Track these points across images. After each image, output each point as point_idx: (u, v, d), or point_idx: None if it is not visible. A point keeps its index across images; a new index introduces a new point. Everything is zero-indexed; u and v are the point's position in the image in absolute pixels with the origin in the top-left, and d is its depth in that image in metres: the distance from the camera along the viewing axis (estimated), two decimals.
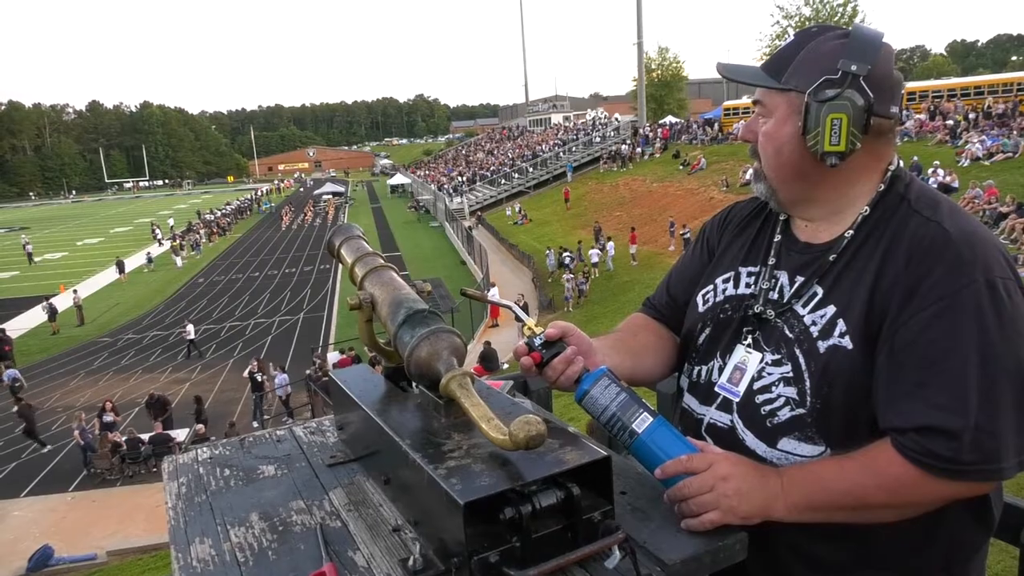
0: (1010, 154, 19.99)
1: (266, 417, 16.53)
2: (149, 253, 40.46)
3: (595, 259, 25.86)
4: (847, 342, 1.12)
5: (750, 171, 1.34)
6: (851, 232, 1.19)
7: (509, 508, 0.94)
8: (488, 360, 16.27)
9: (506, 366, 16.61)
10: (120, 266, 35.96)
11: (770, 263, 1.29)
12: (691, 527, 1.06)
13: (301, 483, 1.35)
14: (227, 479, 1.39)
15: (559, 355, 1.22)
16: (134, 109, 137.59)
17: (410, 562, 1.03)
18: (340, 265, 1.65)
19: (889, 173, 1.21)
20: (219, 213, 58.16)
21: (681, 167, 33.75)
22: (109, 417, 14.96)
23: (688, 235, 23.90)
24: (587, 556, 0.96)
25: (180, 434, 14.72)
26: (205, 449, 1.55)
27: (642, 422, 1.13)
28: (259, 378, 16.68)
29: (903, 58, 67.22)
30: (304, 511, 1.24)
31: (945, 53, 72.46)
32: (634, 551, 0.95)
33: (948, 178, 18.77)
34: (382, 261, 1.51)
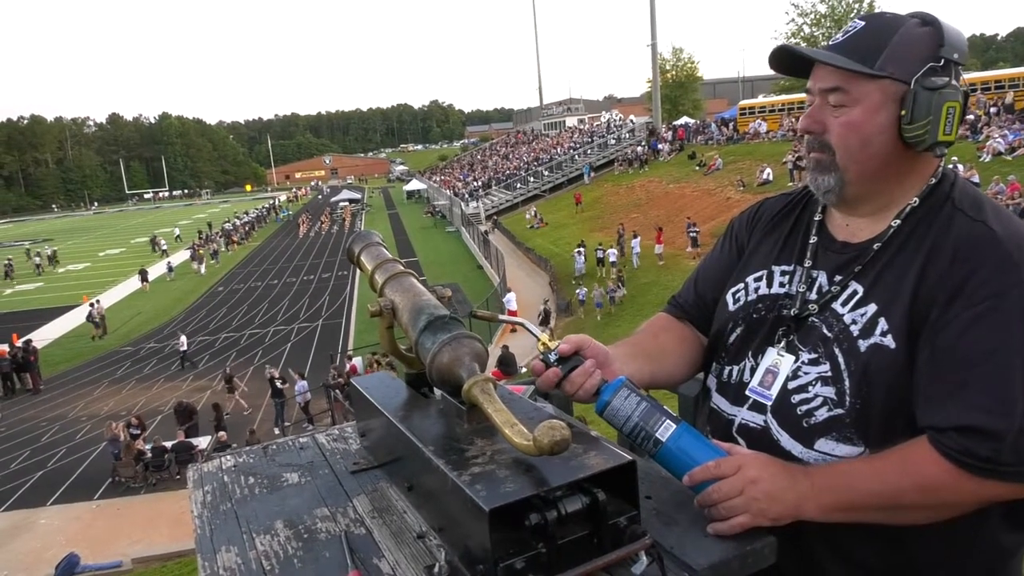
0: None
1: (287, 424, 16.64)
2: (170, 262, 40.95)
3: (613, 258, 25.78)
4: (889, 341, 1.10)
5: (804, 163, 1.27)
6: (898, 222, 1.17)
7: (534, 514, 0.93)
8: (506, 364, 16.24)
9: (524, 369, 16.60)
10: (143, 275, 36.41)
11: (806, 263, 1.26)
12: (720, 531, 1.04)
13: (325, 490, 1.36)
14: (251, 487, 1.40)
15: (577, 368, 1.20)
16: (153, 120, 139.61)
17: (436, 569, 1.02)
18: (358, 272, 1.65)
19: (940, 167, 1.19)
20: (238, 222, 58.75)
21: (697, 168, 33.58)
22: (136, 430, 15.12)
23: (695, 233, 23.72)
24: (614, 562, 0.95)
25: (202, 442, 14.86)
26: (229, 457, 1.56)
27: (666, 430, 1.11)
28: (279, 384, 16.79)
29: None
30: (329, 518, 1.24)
31: None
32: (661, 557, 0.94)
33: (968, 174, 18.52)
34: (402, 267, 1.51)
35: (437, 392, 1.32)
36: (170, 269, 39.89)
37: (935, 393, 1.05)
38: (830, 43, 1.19)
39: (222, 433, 14.67)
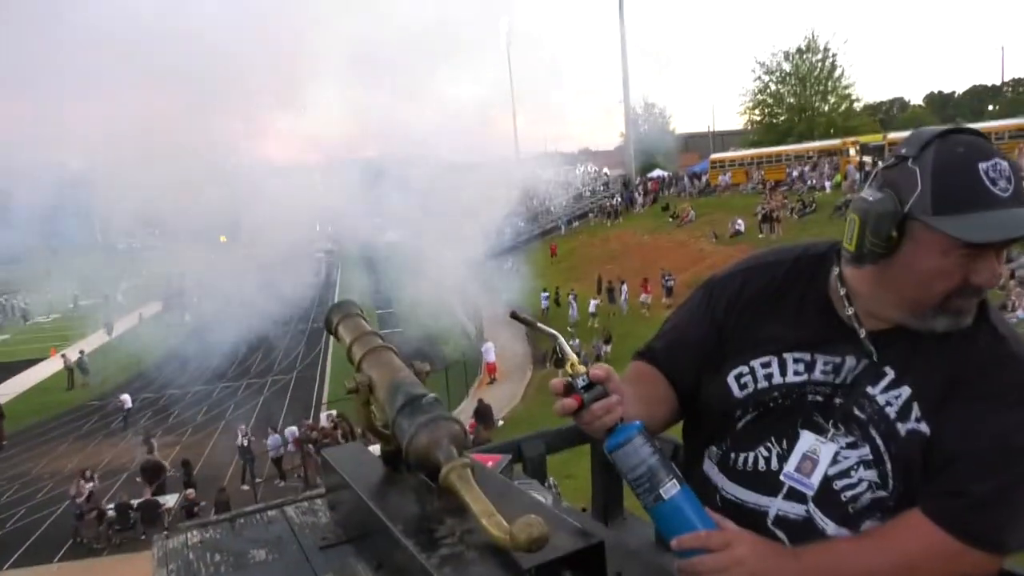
0: None
1: (258, 480, 16.22)
2: (141, 313, 40.23)
3: (592, 309, 25.89)
4: (924, 427, 1.12)
5: (944, 310, 1.14)
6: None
7: None
8: (483, 417, 16.13)
9: (501, 423, 16.46)
10: (108, 328, 35.65)
11: (822, 350, 1.22)
12: None
13: (293, 567, 1.34)
14: (217, 565, 1.37)
15: (599, 400, 1.13)
16: None
17: None
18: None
19: None
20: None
21: (671, 219, 34.15)
22: (88, 486, 14.53)
23: (672, 283, 23.95)
24: None
25: (170, 500, 14.40)
26: (195, 532, 1.53)
27: (670, 488, 1.11)
28: (245, 443, 16.41)
29: (883, 110, 68.96)
30: None
31: (923, 104, 74.42)
32: None
33: None
34: (380, 341, 1.52)
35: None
36: (140, 319, 39.16)
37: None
38: (1002, 192, 1.05)
39: (190, 491, 14.25)
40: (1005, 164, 1.06)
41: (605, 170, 53.26)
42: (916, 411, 1.12)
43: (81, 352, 29.48)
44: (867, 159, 28.78)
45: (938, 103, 73.82)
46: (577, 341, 21.12)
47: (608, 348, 21.18)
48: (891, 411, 1.13)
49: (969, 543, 1.06)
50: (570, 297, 27.74)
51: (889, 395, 1.14)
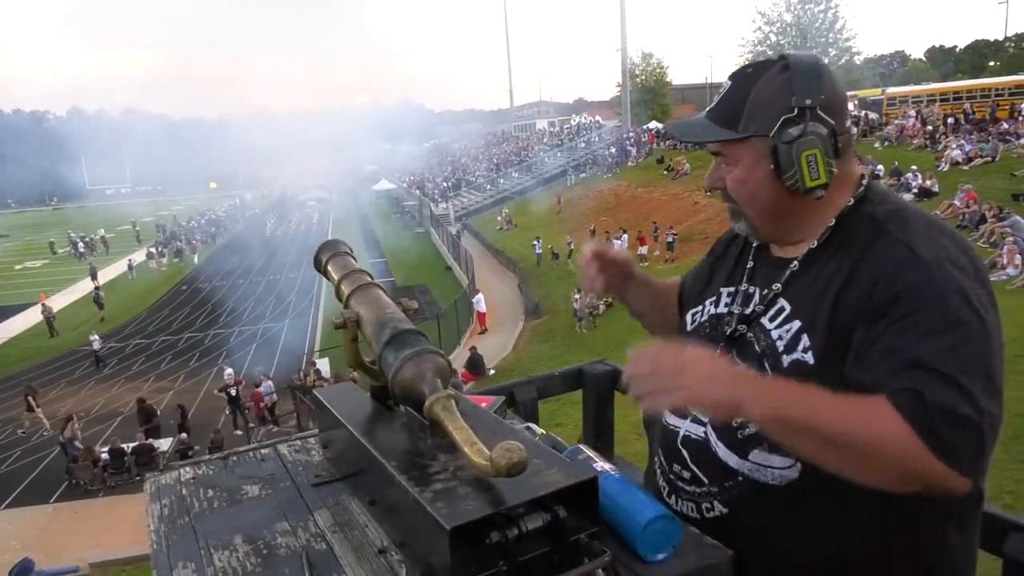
0: (988, 158, 20.27)
1: (251, 425, 16.40)
2: (131, 261, 40.00)
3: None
4: (809, 357, 1.13)
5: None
6: (815, 243, 1.21)
7: (495, 532, 0.94)
8: (475, 366, 16.26)
9: (492, 372, 16.60)
10: (93, 274, 35.39)
11: (744, 282, 1.33)
12: (655, 407, 1.05)
13: (286, 503, 1.34)
14: (210, 500, 1.38)
15: None
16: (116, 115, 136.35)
17: None
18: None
19: (862, 187, 1.22)
20: (203, 220, 57.67)
21: (665, 172, 33.90)
22: (68, 433, 14.60)
23: (673, 239, 23.92)
24: None
25: (164, 443, 14.55)
26: (188, 469, 1.54)
27: None
28: (233, 392, 16.51)
29: (883, 63, 67.98)
30: (289, 533, 1.23)
31: (924, 59, 73.30)
32: (619, 573, 0.95)
33: (929, 182, 19.00)
34: (369, 279, 1.51)
35: (401, 405, 1.32)
36: (130, 267, 38.96)
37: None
38: (708, 109, 1.27)
39: (184, 435, 14.40)
40: (729, 84, 1.23)
41: (597, 118, 52.62)
42: (804, 342, 1.14)
43: (97, 288, 30.68)
44: (864, 113, 28.52)
45: (939, 57, 72.75)
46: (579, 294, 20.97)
47: (602, 304, 21.11)
48: (780, 344, 1.18)
49: (929, 444, 0.96)
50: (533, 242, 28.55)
51: (781, 329, 1.19)
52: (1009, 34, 65.08)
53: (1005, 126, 22.90)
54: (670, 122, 1.29)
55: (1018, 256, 13.41)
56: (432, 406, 1.11)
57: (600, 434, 2.55)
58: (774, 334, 1.20)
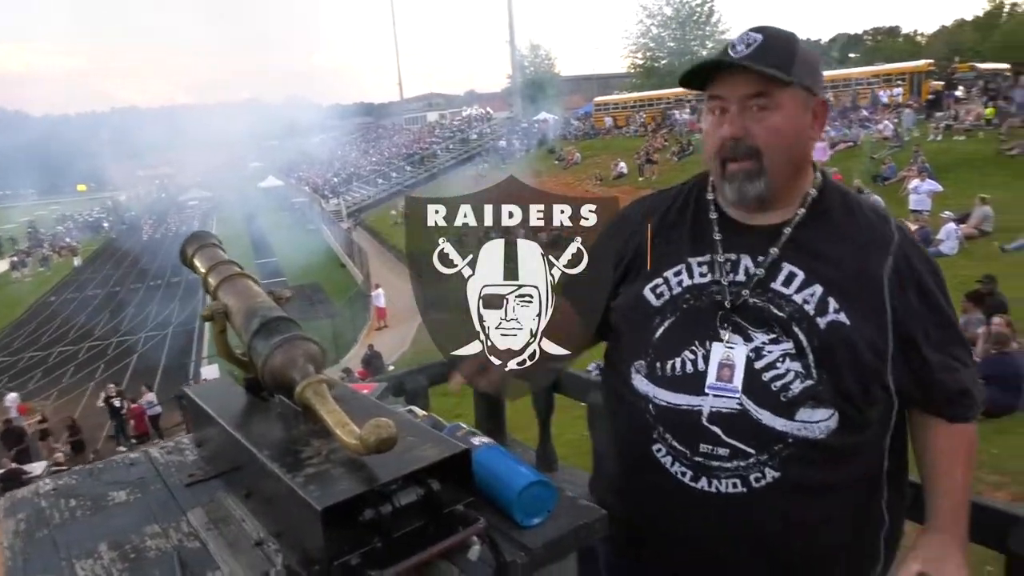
0: (851, 143, 21.90)
1: (133, 441, 15.45)
2: None
3: None
4: (843, 318, 1.22)
5: (716, 172, 1.33)
6: (803, 211, 1.30)
7: (368, 510, 0.94)
8: (372, 363, 16.02)
9: (391, 368, 16.40)
10: None
11: (719, 250, 1.32)
12: None
13: (156, 506, 1.29)
14: (72, 510, 1.30)
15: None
16: None
17: (271, 574, 1.01)
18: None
19: (816, 168, 1.36)
20: (71, 225, 53.64)
21: (556, 162, 34.49)
22: None
23: None
24: (447, 549, 0.97)
25: (37, 467, 13.46)
26: (47, 480, 1.44)
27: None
28: (117, 403, 15.55)
29: None
30: (160, 535, 1.18)
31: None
32: (493, 539, 0.98)
33: None
34: (238, 269, 1.46)
35: (275, 395, 1.29)
36: None
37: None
38: (736, 54, 1.23)
39: (59, 455, 13.39)
40: (761, 36, 1.23)
41: (488, 109, 52.81)
42: (833, 304, 1.23)
43: None
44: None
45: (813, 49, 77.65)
46: None
47: None
48: (809, 308, 1.24)
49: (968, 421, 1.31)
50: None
51: (804, 293, 1.25)
52: (867, 27, 70.54)
53: (865, 113, 24.80)
54: (709, 58, 1.26)
55: None
56: (303, 391, 1.09)
57: (492, 416, 2.59)
58: (797, 298, 1.24)
